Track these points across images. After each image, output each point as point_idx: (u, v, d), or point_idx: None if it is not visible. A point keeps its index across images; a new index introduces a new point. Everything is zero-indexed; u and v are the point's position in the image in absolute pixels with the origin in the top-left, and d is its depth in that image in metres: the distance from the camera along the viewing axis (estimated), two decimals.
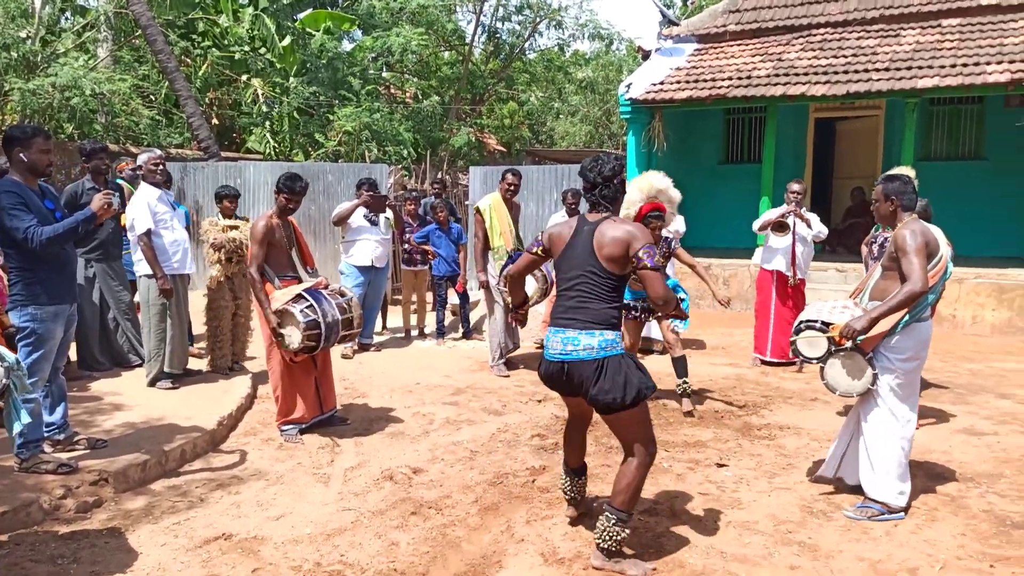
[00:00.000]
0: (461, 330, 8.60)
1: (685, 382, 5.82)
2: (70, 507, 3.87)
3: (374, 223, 7.71)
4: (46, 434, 4.31)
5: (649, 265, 3.21)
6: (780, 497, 4.16)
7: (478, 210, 6.99)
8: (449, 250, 8.39)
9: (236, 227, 6.53)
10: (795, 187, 7.19)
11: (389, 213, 7.89)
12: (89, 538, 3.62)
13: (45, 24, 15.37)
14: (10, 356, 3.17)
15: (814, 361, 4.04)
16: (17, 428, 3.22)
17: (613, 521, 3.29)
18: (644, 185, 5.87)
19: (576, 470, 3.79)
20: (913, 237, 3.74)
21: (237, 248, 6.41)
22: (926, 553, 3.52)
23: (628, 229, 3.29)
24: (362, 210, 7.57)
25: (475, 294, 9.39)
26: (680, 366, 5.87)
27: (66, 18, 17.30)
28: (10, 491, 3.86)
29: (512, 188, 7.02)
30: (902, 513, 3.89)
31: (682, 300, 5.99)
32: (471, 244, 7.99)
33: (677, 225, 7.54)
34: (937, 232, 3.97)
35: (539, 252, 3.59)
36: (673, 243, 5.93)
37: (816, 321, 4.01)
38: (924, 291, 3.68)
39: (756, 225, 7.29)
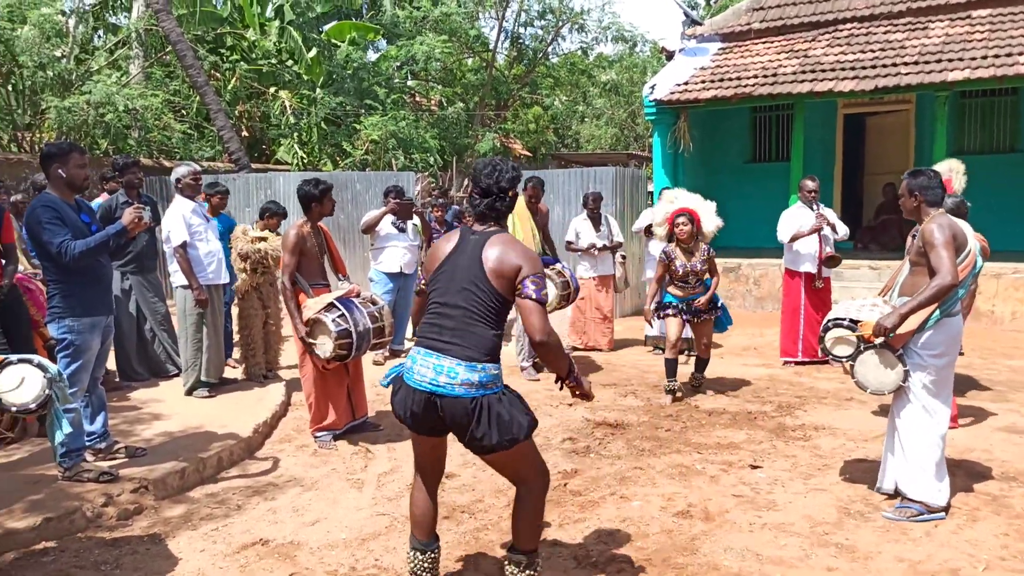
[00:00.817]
0: None
1: (699, 378, 6.35)
2: (112, 515, 3.95)
3: (402, 230, 7.76)
4: (87, 443, 4.40)
5: (534, 296, 2.79)
6: (816, 498, 4.11)
7: None
8: None
9: (265, 239, 6.61)
10: (810, 184, 7.14)
11: (416, 220, 7.95)
12: (131, 545, 3.70)
13: (79, 43, 15.77)
14: (52, 367, 3.25)
15: (844, 359, 3.98)
16: (59, 437, 3.31)
17: (523, 566, 2.92)
18: (673, 197, 6.46)
19: (426, 543, 3.13)
20: (941, 231, 3.68)
21: (262, 259, 6.48)
22: (968, 553, 3.46)
23: (522, 250, 2.89)
24: (390, 217, 7.63)
25: None
26: (701, 365, 6.34)
27: (99, 36, 17.73)
28: (54, 499, 3.96)
29: (531, 198, 6.96)
30: (942, 513, 3.82)
31: (721, 305, 6.23)
32: None
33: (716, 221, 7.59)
34: (966, 227, 3.91)
35: (423, 286, 3.13)
36: (711, 252, 6.10)
37: (844, 319, 3.96)
38: (954, 284, 3.62)
39: (785, 237, 7.18)
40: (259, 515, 4.04)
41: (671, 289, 6.16)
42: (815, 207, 7.14)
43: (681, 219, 5.99)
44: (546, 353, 2.87)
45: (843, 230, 7.17)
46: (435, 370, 2.81)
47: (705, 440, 5.14)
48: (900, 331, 3.74)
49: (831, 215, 7.20)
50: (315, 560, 3.52)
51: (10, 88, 13.90)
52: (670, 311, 6.12)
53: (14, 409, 3.07)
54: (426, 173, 14.22)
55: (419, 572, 3.11)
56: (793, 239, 7.11)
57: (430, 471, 3.13)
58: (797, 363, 7.27)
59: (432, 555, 3.12)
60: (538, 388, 6.61)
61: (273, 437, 5.43)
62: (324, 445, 5.11)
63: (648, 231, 7.46)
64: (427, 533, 3.13)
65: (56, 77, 13.99)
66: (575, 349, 8.19)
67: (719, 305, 6.22)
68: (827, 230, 7.06)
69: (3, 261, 4.94)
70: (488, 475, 4.54)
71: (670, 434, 5.29)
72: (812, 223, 7.04)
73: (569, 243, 8.18)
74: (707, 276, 6.14)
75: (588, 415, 5.74)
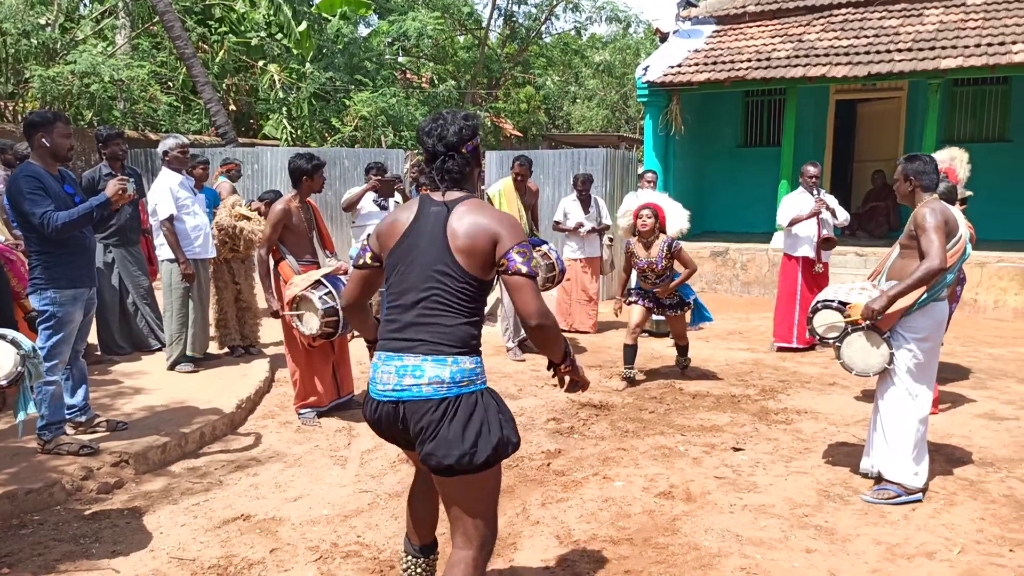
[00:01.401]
0: None
1: (683, 362, 6.39)
2: (92, 488, 3.93)
3: (384, 208, 7.66)
4: (68, 416, 4.37)
5: (524, 271, 2.30)
6: (797, 481, 4.14)
7: (488, 196, 6.98)
8: None
9: (249, 218, 6.53)
10: (811, 170, 7.11)
11: (398, 197, 7.85)
12: (110, 518, 3.68)
13: (64, 11, 15.50)
14: (27, 343, 3.18)
15: (830, 341, 4.00)
16: (21, 416, 3.25)
17: None
18: (641, 196, 6.47)
19: (422, 548, 2.77)
20: (933, 215, 3.70)
21: (234, 236, 6.42)
22: (944, 537, 3.50)
23: (498, 217, 2.39)
24: (372, 194, 7.54)
25: None
26: (682, 351, 6.36)
27: (84, 5, 17.42)
28: (33, 472, 3.93)
29: (519, 176, 6.97)
30: (920, 495, 3.86)
31: (692, 301, 6.13)
32: None
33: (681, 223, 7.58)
34: (957, 213, 3.93)
35: (369, 262, 2.55)
36: (674, 245, 5.96)
37: (833, 301, 3.98)
38: (943, 268, 3.64)
39: (784, 221, 7.14)
40: (241, 490, 4.03)
41: (641, 283, 6.18)
42: (815, 192, 7.11)
43: (645, 212, 5.95)
44: (544, 338, 2.40)
45: (843, 215, 7.12)
46: (398, 373, 2.33)
47: (688, 422, 5.16)
48: (887, 313, 3.76)
49: (832, 200, 7.14)
50: (297, 536, 3.52)
51: None
52: (633, 297, 6.17)
53: None
54: (415, 151, 14.12)
55: None
56: (792, 223, 7.09)
57: (426, 475, 2.68)
58: (791, 350, 7.27)
59: (428, 561, 2.79)
60: (524, 369, 6.62)
61: (256, 413, 5.42)
62: (308, 422, 5.10)
63: None
64: (422, 537, 2.77)
65: (40, 46, 13.75)
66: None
67: (688, 301, 6.12)
68: (826, 215, 7.03)
69: None
70: None
71: (654, 416, 5.31)
72: (811, 207, 7.01)
73: (557, 223, 8.17)
74: (672, 272, 6.06)
75: (573, 396, 5.75)
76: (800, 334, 7.17)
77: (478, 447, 2.29)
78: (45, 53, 13.96)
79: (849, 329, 3.90)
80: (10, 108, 13.89)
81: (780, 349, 7.32)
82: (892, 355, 3.84)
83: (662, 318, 6.54)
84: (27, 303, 4.81)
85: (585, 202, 8.06)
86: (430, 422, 2.30)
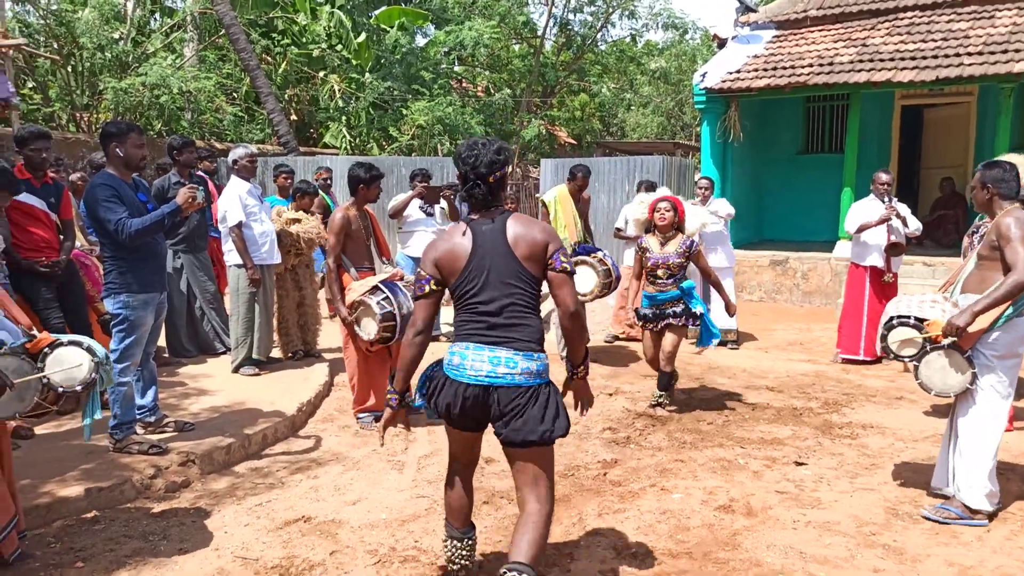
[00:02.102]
0: None
1: (662, 396, 5.62)
2: (160, 486, 4.06)
3: (430, 214, 7.72)
4: (138, 416, 4.52)
5: (569, 268, 2.84)
6: (863, 498, 4.02)
7: (543, 202, 7.03)
8: None
9: (298, 220, 6.65)
10: (884, 178, 6.88)
11: (444, 204, 7.89)
12: (177, 516, 3.79)
13: (136, 25, 16.12)
14: (100, 351, 3.29)
15: (907, 359, 3.82)
16: (87, 421, 3.39)
17: None
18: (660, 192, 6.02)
19: (464, 531, 3.11)
20: (1019, 225, 3.51)
21: (295, 242, 6.54)
22: (1022, 560, 3.34)
23: (540, 226, 2.88)
24: (417, 201, 7.61)
25: None
26: (664, 379, 5.61)
27: (155, 19, 18.09)
28: (106, 469, 4.08)
29: (579, 188, 6.99)
30: (986, 520, 3.68)
31: (700, 314, 5.48)
32: None
33: (717, 206, 7.48)
34: None
35: (436, 288, 2.89)
36: (695, 245, 5.48)
37: (909, 317, 3.80)
38: None
39: (852, 227, 6.94)
40: (302, 492, 4.11)
41: (646, 287, 5.59)
42: (887, 200, 6.89)
43: (663, 205, 5.49)
44: (579, 325, 2.90)
45: (914, 224, 6.85)
46: (491, 363, 2.77)
47: (748, 435, 5.06)
48: (970, 330, 3.59)
49: (903, 209, 6.90)
50: (356, 539, 3.56)
51: (70, 69, 14.29)
52: (646, 325, 5.59)
53: (60, 390, 3.17)
54: None
55: (456, 560, 3.08)
56: (860, 230, 6.89)
57: (466, 462, 3.10)
58: (856, 362, 7.06)
59: (470, 542, 3.11)
60: None
61: (316, 416, 5.52)
62: (366, 426, 5.17)
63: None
64: (464, 521, 3.10)
65: (114, 59, 14.34)
66: (616, 338, 8.13)
67: (695, 311, 5.47)
68: (897, 223, 6.80)
69: (62, 237, 5.09)
70: None
71: (712, 427, 5.22)
72: (880, 214, 6.80)
73: (618, 230, 8.12)
74: (685, 277, 5.52)
75: (629, 405, 5.70)
76: (868, 346, 6.93)
77: (555, 426, 2.81)
78: (118, 66, 14.54)
79: (928, 348, 3.71)
80: (85, 119, 14.50)
81: (845, 361, 7.10)
82: (974, 375, 3.66)
83: (727, 327, 6.12)
84: (101, 306, 5.01)
85: None
86: (519, 404, 2.78)
